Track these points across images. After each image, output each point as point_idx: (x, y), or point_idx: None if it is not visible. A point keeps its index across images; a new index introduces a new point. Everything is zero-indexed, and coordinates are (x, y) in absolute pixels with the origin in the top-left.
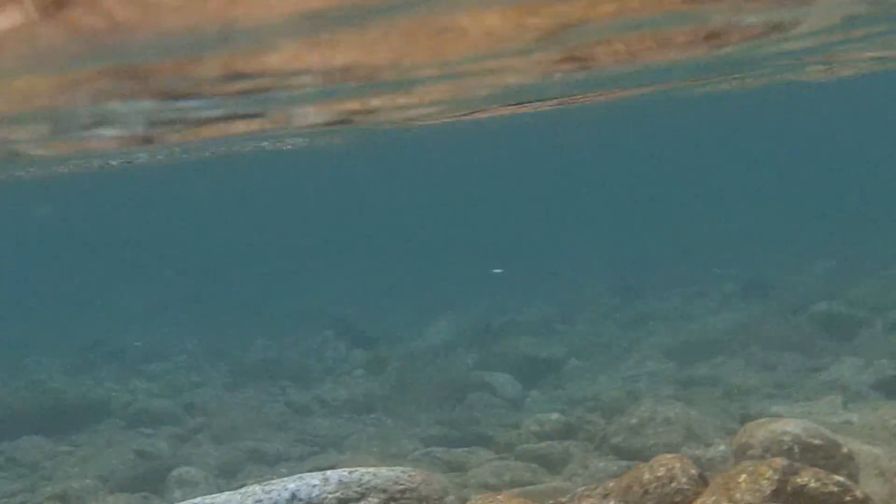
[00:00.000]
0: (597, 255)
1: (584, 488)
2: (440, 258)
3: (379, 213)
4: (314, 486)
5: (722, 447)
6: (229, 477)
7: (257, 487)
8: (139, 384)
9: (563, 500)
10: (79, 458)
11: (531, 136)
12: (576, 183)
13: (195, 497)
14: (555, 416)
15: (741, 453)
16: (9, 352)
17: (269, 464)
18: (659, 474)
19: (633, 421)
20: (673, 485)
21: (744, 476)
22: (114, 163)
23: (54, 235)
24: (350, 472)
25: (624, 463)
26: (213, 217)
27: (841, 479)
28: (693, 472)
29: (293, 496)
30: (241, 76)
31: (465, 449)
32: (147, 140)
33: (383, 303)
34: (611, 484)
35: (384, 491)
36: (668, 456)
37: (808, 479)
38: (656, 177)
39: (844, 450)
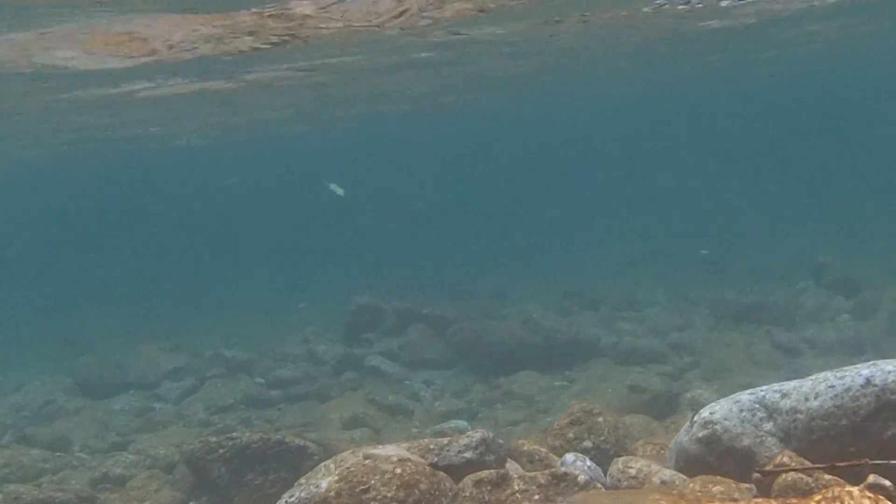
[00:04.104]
0: None
1: None
2: None
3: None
4: (889, 371)
5: None
6: None
7: (829, 374)
8: (624, 326)
9: None
10: (573, 392)
11: None
12: None
13: None
14: None
15: None
16: (493, 298)
17: None
18: None
19: None
20: None
21: None
22: None
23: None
24: None
25: None
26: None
27: None
28: None
29: (867, 381)
30: None
31: None
32: None
33: (859, 247)
34: None
35: None
36: None
37: None
38: None
39: None
